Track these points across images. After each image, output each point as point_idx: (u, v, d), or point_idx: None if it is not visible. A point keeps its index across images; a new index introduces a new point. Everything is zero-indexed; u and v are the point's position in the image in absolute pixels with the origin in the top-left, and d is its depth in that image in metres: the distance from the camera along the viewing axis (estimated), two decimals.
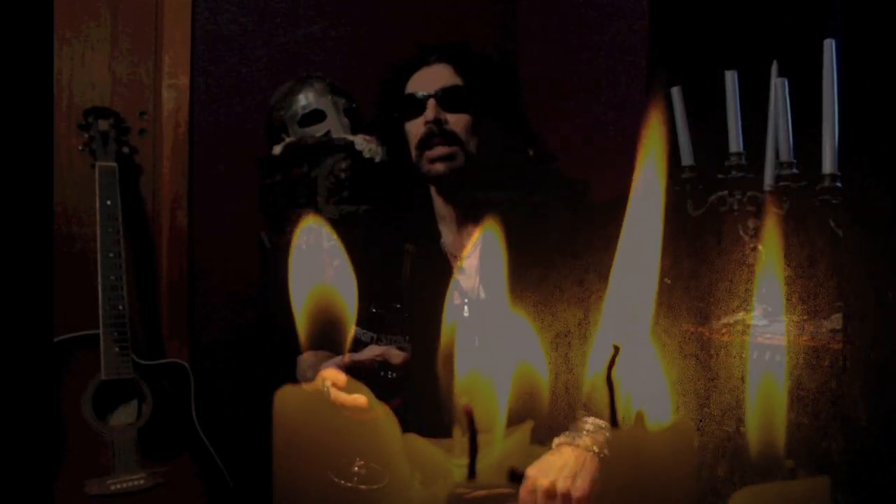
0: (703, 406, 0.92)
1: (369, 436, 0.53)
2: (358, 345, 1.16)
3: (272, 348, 2.33)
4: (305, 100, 2.38)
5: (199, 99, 2.54)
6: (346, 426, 0.52)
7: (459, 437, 0.51)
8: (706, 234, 1.81)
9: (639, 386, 0.53)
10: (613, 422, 0.54)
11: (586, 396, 1.03)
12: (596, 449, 0.99)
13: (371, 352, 1.13)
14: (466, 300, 1.56)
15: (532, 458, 0.56)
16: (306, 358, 1.39)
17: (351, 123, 2.37)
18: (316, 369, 0.57)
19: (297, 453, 0.52)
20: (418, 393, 1.42)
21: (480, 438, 0.46)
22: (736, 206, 1.71)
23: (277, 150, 2.36)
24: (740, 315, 1.60)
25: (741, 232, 1.70)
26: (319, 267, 0.64)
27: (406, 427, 0.57)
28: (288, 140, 2.35)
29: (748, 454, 0.52)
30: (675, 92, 1.77)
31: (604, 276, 0.59)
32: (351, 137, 2.24)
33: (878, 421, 1.09)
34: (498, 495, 0.42)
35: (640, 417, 0.49)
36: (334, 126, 2.33)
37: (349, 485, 0.51)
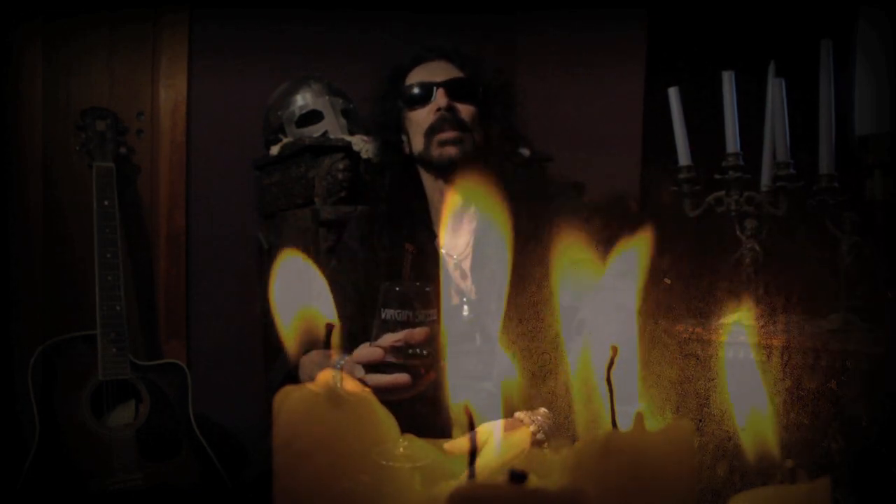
0: (702, 406, 0.92)
1: (369, 436, 0.53)
2: (383, 330, 1.09)
3: (272, 348, 2.33)
4: (303, 100, 2.38)
5: (196, 99, 2.54)
6: (347, 426, 0.52)
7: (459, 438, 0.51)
8: (705, 234, 1.81)
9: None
10: (612, 422, 0.54)
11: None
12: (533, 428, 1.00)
13: (390, 339, 1.08)
14: (465, 300, 1.56)
15: (532, 459, 0.56)
16: (312, 357, 1.37)
17: (348, 124, 2.37)
18: (324, 368, 0.56)
19: (297, 453, 0.52)
20: (417, 393, 1.41)
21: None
22: (733, 207, 1.70)
23: (275, 150, 2.36)
24: (737, 315, 1.60)
25: (738, 232, 1.70)
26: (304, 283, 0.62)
27: (406, 427, 0.56)
28: (285, 140, 2.35)
29: (745, 456, 0.52)
30: (673, 92, 1.77)
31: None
32: (349, 138, 2.23)
33: (878, 421, 1.09)
34: (498, 496, 0.42)
35: (639, 418, 0.49)
36: (332, 126, 2.33)
37: (395, 465, 0.51)
